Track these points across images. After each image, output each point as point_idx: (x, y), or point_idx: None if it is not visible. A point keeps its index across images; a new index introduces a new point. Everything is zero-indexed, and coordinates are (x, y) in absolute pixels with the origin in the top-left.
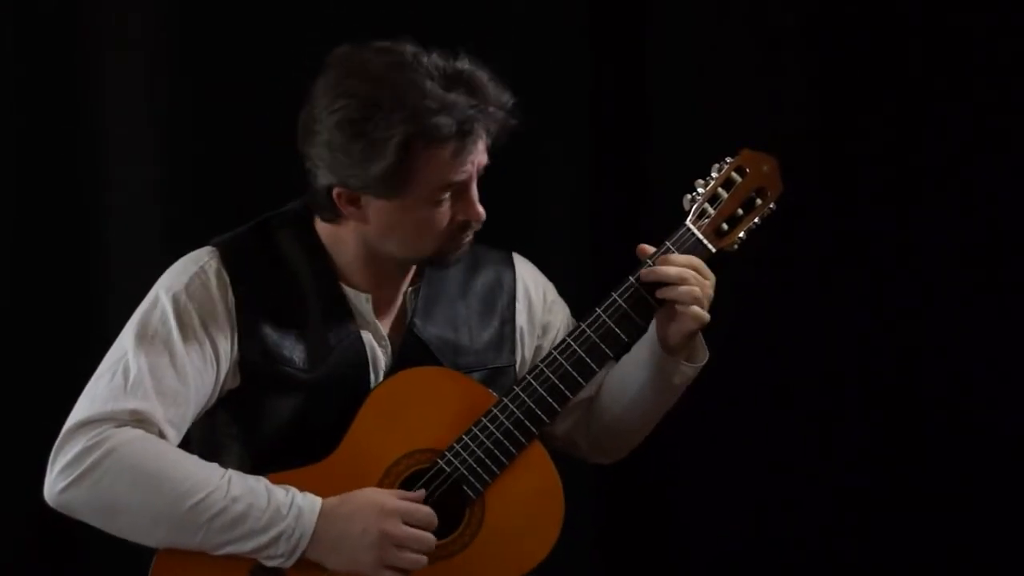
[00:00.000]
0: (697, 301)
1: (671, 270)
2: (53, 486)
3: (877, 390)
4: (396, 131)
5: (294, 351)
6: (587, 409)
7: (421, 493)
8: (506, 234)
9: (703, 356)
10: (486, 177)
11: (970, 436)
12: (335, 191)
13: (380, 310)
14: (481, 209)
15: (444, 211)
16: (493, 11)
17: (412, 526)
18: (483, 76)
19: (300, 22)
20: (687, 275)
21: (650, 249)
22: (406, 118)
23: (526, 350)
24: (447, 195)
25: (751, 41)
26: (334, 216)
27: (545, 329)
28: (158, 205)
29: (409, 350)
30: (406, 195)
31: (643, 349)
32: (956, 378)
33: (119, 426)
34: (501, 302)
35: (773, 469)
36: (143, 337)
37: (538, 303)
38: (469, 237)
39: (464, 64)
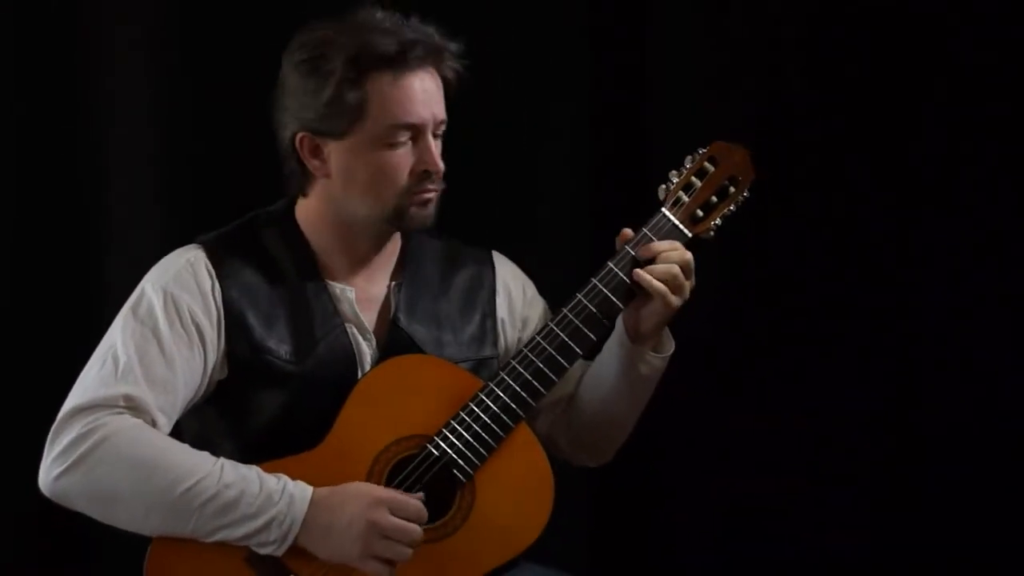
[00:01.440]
0: (675, 279)
1: (663, 245)
2: (48, 474)
3: (872, 389)
4: (342, 56)
5: (280, 343)
6: (566, 407)
7: (417, 496)
8: (506, 234)
9: (669, 347)
10: (486, 176)
11: (970, 432)
12: (298, 138)
13: (364, 305)
14: (439, 160)
15: (400, 156)
16: (493, 11)
17: (401, 518)
18: (432, 28)
19: (299, 22)
20: (672, 256)
21: (630, 234)
22: (351, 44)
23: (508, 342)
24: (401, 139)
25: (751, 41)
26: (304, 180)
27: (525, 323)
28: (158, 205)
29: (394, 344)
30: (358, 130)
31: (613, 342)
32: (953, 374)
33: (113, 413)
34: (482, 296)
35: (763, 465)
36: (131, 328)
37: (518, 297)
38: (430, 194)
39: (415, 21)
